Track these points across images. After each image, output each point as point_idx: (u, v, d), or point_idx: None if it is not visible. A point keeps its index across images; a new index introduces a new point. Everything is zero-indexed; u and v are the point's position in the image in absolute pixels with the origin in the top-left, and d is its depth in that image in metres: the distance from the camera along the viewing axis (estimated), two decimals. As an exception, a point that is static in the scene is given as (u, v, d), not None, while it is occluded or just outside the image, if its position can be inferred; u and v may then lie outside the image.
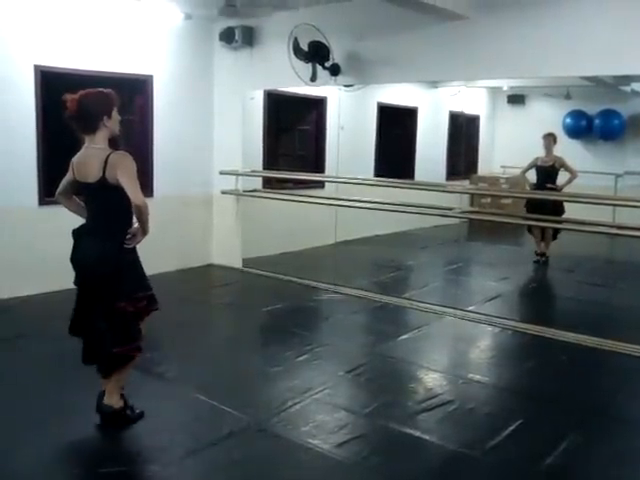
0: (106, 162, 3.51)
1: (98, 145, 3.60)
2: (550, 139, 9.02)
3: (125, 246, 3.64)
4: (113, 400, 3.81)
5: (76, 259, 3.71)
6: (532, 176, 9.31)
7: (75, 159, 3.70)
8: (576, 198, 7.72)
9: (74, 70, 6.66)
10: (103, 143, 3.62)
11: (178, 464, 3.51)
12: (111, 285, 3.62)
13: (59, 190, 3.87)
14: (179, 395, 4.39)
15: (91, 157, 3.59)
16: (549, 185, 8.76)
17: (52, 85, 6.29)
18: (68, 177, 3.78)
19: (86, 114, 3.56)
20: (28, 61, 6.40)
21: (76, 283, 3.77)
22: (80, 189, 3.76)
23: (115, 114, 3.66)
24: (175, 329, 5.67)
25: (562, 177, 9.03)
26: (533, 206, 8.46)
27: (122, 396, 3.88)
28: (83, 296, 3.77)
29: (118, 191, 3.50)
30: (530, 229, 9.30)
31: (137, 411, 3.91)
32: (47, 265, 6.35)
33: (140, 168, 7.97)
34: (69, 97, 3.55)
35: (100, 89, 3.66)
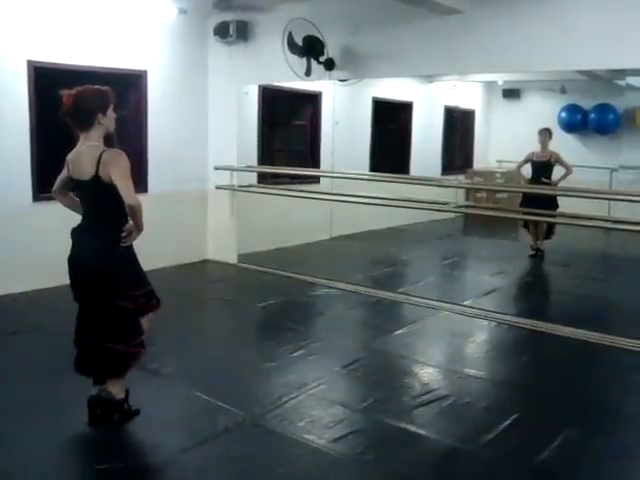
0: (99, 160, 3.49)
1: (92, 142, 3.57)
2: (546, 134, 9.02)
3: (121, 244, 3.62)
4: (116, 390, 3.78)
5: (72, 257, 3.70)
6: (527, 171, 9.32)
7: (70, 156, 3.67)
8: (571, 192, 7.74)
9: (68, 65, 6.62)
10: (98, 140, 3.59)
11: (174, 460, 3.50)
12: (108, 283, 3.60)
13: (55, 187, 3.85)
14: (174, 391, 4.39)
15: (85, 154, 3.57)
16: (545, 180, 8.77)
17: (45, 81, 6.25)
18: (63, 174, 3.76)
19: (81, 110, 3.53)
20: (21, 56, 6.35)
21: (72, 286, 3.72)
22: (75, 186, 3.74)
23: (111, 112, 3.63)
24: (170, 325, 5.64)
25: (557, 172, 9.03)
26: (528, 201, 8.48)
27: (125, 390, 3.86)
28: (83, 305, 3.75)
29: (111, 188, 3.48)
30: (526, 225, 9.30)
31: (133, 408, 3.88)
32: (41, 261, 6.32)
33: (134, 164, 7.93)
34: (65, 92, 3.53)
35: (97, 86, 3.64)
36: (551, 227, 9.07)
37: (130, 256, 3.73)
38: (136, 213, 3.54)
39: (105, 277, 3.59)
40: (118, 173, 3.48)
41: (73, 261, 3.69)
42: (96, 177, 3.50)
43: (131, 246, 3.71)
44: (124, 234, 3.62)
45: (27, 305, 6.18)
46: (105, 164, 3.48)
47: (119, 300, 3.63)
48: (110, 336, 3.67)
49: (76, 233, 3.71)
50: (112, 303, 3.63)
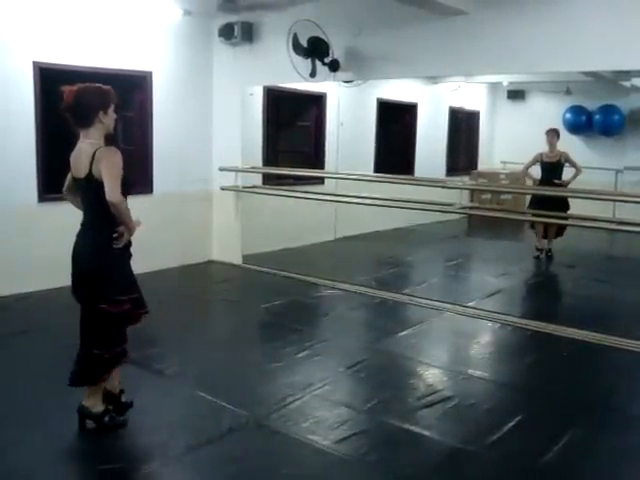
0: (93, 157, 3.47)
1: (92, 140, 3.54)
2: (553, 134, 8.99)
3: (114, 246, 3.58)
4: (92, 402, 3.74)
5: (72, 255, 3.68)
6: (534, 172, 9.30)
7: (72, 154, 3.65)
8: (576, 193, 7.73)
9: (73, 67, 6.64)
10: (97, 139, 3.56)
11: (178, 460, 3.51)
12: (95, 284, 3.56)
13: (64, 187, 3.84)
14: (178, 391, 4.40)
15: (82, 152, 3.55)
16: (555, 180, 8.74)
17: (51, 82, 6.27)
18: (70, 173, 3.75)
19: (82, 107, 3.51)
20: (27, 58, 6.38)
21: (72, 288, 3.71)
22: (76, 185, 3.72)
23: (111, 111, 3.61)
24: (175, 325, 5.67)
25: (566, 173, 9.03)
26: (538, 202, 8.46)
27: (105, 400, 3.79)
28: (80, 306, 3.75)
29: (103, 187, 3.43)
30: (533, 225, 9.27)
31: (120, 418, 3.81)
32: (47, 262, 6.34)
33: (139, 165, 7.97)
34: (67, 89, 3.51)
35: (99, 85, 3.62)
36: (561, 229, 9.03)
37: (122, 259, 3.67)
38: (118, 211, 3.47)
39: (93, 277, 3.56)
40: (106, 169, 3.43)
41: (71, 259, 3.69)
42: (89, 175, 3.49)
43: (126, 249, 3.67)
44: (115, 235, 3.57)
45: (34, 305, 6.20)
46: (97, 161, 3.46)
47: (103, 303, 3.57)
48: (93, 341, 3.64)
49: (78, 232, 3.70)
50: (97, 305, 3.58)
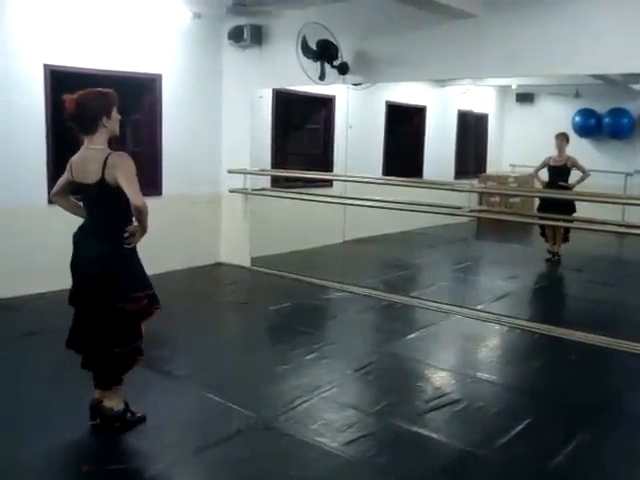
0: (105, 163, 3.47)
1: (97, 146, 3.55)
2: (562, 138, 9.04)
3: (125, 246, 3.60)
4: (114, 402, 3.78)
5: (75, 261, 3.69)
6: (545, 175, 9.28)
7: (73, 160, 3.66)
8: (585, 197, 7.69)
9: (83, 69, 6.68)
10: (103, 144, 3.58)
11: (186, 462, 3.52)
12: (110, 285, 3.58)
13: (54, 190, 3.84)
14: (187, 393, 4.41)
15: (90, 158, 3.55)
16: (561, 184, 8.75)
17: (61, 84, 6.30)
18: (65, 177, 3.75)
19: (85, 114, 3.51)
20: (38, 60, 6.42)
21: (73, 290, 3.73)
22: (78, 190, 3.72)
23: (114, 114, 3.61)
24: (183, 327, 5.69)
25: (574, 177, 9.01)
26: (546, 205, 8.47)
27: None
28: (80, 308, 3.76)
29: (117, 192, 3.46)
30: (543, 233, 9.29)
31: (138, 415, 3.86)
32: (56, 263, 6.29)
33: (148, 167, 7.99)
34: (68, 97, 3.51)
35: (99, 89, 3.61)
36: (567, 232, 9.04)
37: (133, 258, 3.71)
38: (142, 214, 3.51)
39: (108, 279, 3.57)
40: (124, 175, 3.46)
41: (76, 265, 3.69)
42: (102, 180, 3.49)
43: (134, 248, 3.69)
44: (127, 234, 3.60)
45: (44, 306, 6.22)
46: (111, 167, 3.46)
47: (120, 302, 3.59)
48: (112, 340, 3.66)
49: (79, 237, 3.71)
50: (114, 306, 3.60)
